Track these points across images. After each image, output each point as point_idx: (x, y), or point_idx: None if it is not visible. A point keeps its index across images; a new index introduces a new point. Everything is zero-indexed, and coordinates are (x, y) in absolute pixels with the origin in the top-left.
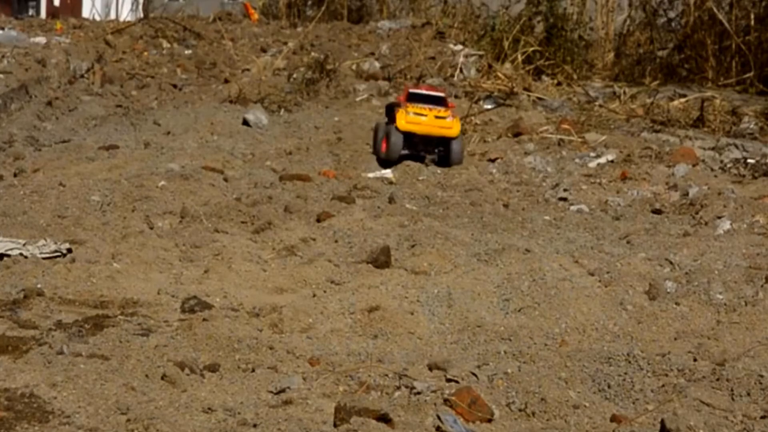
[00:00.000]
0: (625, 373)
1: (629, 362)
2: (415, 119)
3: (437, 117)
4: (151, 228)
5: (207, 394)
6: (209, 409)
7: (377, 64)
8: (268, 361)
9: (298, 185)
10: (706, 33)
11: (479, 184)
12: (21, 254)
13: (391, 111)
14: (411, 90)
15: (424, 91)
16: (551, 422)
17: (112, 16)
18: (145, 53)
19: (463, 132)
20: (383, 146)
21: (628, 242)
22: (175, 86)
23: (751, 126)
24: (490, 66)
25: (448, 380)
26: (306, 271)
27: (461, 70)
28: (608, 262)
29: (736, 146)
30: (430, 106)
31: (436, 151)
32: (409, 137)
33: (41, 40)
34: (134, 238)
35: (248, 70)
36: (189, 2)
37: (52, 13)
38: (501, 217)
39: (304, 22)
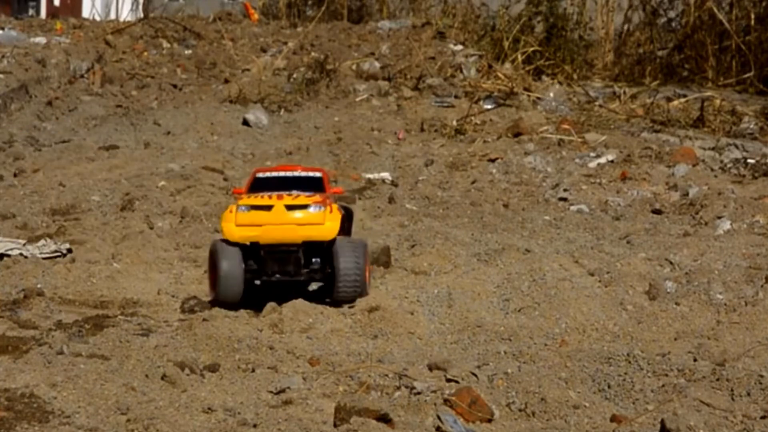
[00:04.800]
0: (625, 373)
1: (629, 362)
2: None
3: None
4: (151, 228)
5: (207, 394)
6: (209, 409)
7: (377, 64)
8: (268, 361)
9: None
10: (706, 33)
11: (479, 184)
12: (21, 254)
13: None
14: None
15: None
16: (551, 422)
17: (112, 16)
18: (145, 53)
19: (463, 132)
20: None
21: (628, 242)
22: (175, 86)
23: (751, 126)
24: (490, 66)
25: (448, 380)
26: None
27: (461, 70)
28: (608, 262)
29: (736, 146)
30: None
31: (307, 270)
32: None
33: (41, 40)
34: (134, 238)
35: (248, 70)
36: (189, 2)
37: (52, 13)
38: (501, 217)
39: (304, 22)
